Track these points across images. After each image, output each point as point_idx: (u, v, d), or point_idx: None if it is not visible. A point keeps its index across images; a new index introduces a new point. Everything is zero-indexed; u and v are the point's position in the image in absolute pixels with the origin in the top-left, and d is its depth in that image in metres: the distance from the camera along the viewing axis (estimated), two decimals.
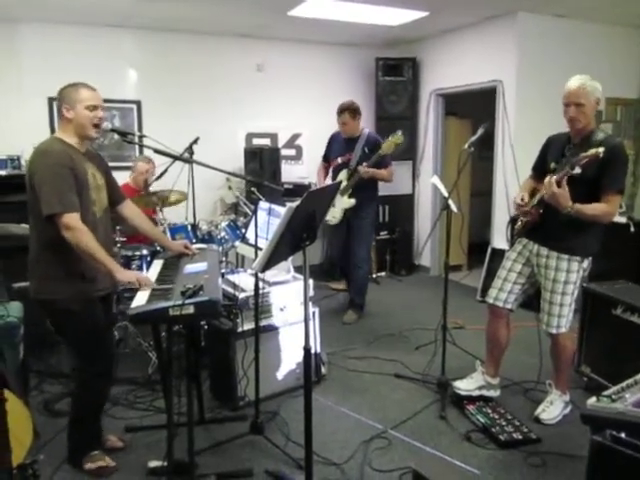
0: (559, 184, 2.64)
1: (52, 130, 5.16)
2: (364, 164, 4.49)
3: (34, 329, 3.71)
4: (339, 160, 4.71)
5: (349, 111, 4.58)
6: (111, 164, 2.90)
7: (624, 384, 2.25)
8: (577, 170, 2.60)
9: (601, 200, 2.76)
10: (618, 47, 5.69)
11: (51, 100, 5.11)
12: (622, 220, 4.99)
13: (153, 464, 2.63)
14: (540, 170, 3.08)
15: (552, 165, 2.81)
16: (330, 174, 4.90)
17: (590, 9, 5.03)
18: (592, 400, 2.18)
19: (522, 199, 3.00)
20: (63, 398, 3.31)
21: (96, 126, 2.46)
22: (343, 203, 4.65)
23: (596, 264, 3.02)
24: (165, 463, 2.45)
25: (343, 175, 4.66)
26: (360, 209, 4.67)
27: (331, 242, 4.97)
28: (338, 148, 4.77)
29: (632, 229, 4.94)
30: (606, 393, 2.19)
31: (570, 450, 2.78)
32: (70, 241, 2.32)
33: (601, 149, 2.53)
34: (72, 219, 2.32)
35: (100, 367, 2.56)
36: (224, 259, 4.08)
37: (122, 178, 4.52)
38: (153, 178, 4.72)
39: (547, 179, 2.72)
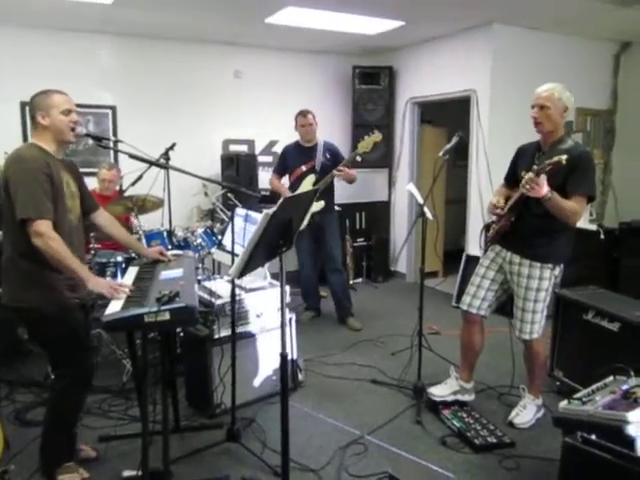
0: (538, 174, 2.64)
1: (25, 135, 5.08)
2: (339, 165, 4.54)
3: (4, 338, 3.64)
4: (303, 168, 4.76)
5: (312, 114, 4.75)
6: (85, 170, 2.87)
7: (594, 387, 2.31)
8: (563, 157, 2.58)
9: None
10: (589, 59, 5.83)
11: (24, 105, 5.02)
12: (593, 227, 5.13)
13: (127, 474, 2.59)
14: (511, 180, 3.13)
15: (523, 174, 2.86)
16: (287, 182, 4.91)
17: (563, 22, 5.16)
18: (564, 403, 2.23)
19: (498, 201, 3.05)
20: (34, 408, 3.25)
21: (72, 130, 2.46)
22: (312, 206, 4.66)
23: (568, 270, 3.08)
24: (140, 472, 2.41)
25: (310, 180, 4.69)
26: (328, 211, 4.75)
27: (298, 248, 4.90)
28: (297, 158, 4.82)
29: (602, 236, 5.08)
30: (577, 396, 2.25)
31: (543, 453, 2.82)
32: (40, 248, 2.27)
33: (564, 156, 2.56)
34: (44, 226, 2.28)
35: (80, 373, 2.51)
36: (200, 266, 4.05)
37: (94, 183, 4.47)
38: (118, 184, 4.68)
39: (525, 175, 2.72)
